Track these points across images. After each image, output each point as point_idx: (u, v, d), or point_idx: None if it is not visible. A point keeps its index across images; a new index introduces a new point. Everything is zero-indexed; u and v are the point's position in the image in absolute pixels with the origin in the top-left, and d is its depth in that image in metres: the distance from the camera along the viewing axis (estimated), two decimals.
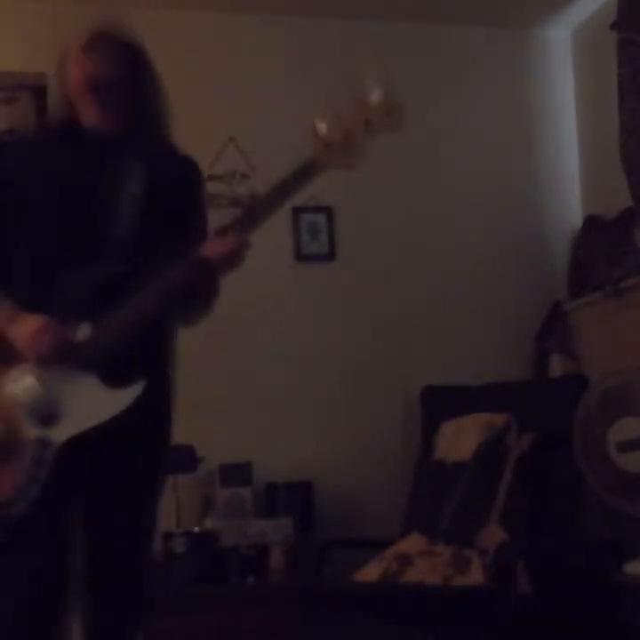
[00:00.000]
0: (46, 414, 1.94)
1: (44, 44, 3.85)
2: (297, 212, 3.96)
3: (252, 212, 2.00)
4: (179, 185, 2.16)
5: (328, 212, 4.00)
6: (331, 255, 4.01)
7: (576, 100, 4.30)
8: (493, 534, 3.06)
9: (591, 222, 4.04)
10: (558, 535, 3.18)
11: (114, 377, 1.96)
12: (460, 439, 3.45)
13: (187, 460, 3.53)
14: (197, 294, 2.07)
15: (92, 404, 1.94)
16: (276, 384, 3.86)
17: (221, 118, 3.92)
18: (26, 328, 1.95)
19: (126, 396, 1.95)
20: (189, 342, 3.77)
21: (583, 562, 3.05)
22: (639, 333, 3.57)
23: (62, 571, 1.98)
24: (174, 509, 3.50)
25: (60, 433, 1.94)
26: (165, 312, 2.05)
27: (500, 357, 4.02)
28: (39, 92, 4.00)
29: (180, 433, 3.59)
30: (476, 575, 2.95)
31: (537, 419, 3.38)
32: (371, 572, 3.18)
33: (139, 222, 2.03)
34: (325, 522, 3.67)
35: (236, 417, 3.79)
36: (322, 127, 1.93)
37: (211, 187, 3.82)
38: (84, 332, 1.96)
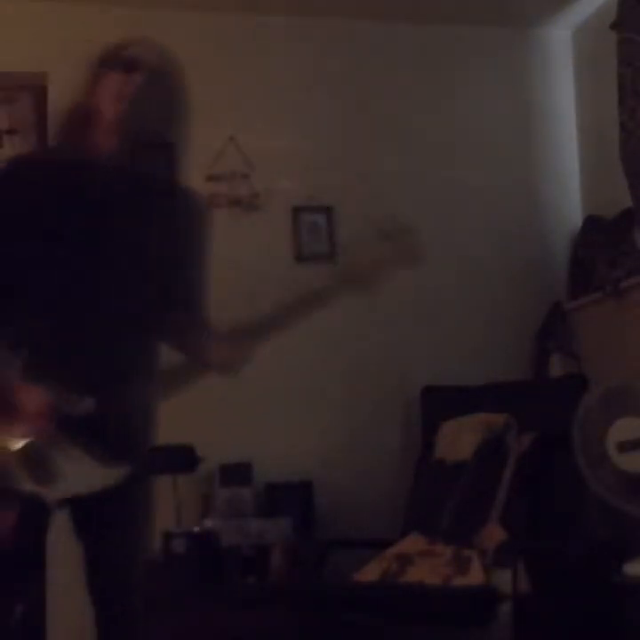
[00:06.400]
0: (40, 473, 1.90)
1: (44, 44, 3.86)
2: (297, 211, 3.96)
3: (261, 326, 2.09)
4: (185, 234, 2.09)
5: (328, 212, 3.99)
6: (331, 255, 4.01)
7: (576, 99, 4.29)
8: (493, 534, 3.06)
9: (591, 222, 4.04)
10: (558, 535, 3.18)
11: (101, 454, 1.93)
12: (460, 439, 3.45)
13: (187, 460, 3.53)
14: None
15: (84, 473, 1.92)
16: (276, 384, 3.85)
17: (221, 118, 3.92)
18: (33, 399, 1.88)
19: (113, 474, 1.94)
20: None
21: (583, 562, 3.05)
22: (639, 333, 3.57)
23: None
24: (174, 509, 3.50)
25: (53, 493, 1.91)
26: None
27: (499, 357, 4.02)
28: (39, 92, 4.00)
29: (180, 433, 3.63)
30: (476, 575, 2.95)
31: (537, 419, 3.38)
32: (371, 572, 3.18)
33: (147, 291, 2.00)
34: (325, 522, 3.67)
35: (235, 417, 3.78)
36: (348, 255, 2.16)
37: (210, 187, 3.83)
38: (87, 406, 1.92)
